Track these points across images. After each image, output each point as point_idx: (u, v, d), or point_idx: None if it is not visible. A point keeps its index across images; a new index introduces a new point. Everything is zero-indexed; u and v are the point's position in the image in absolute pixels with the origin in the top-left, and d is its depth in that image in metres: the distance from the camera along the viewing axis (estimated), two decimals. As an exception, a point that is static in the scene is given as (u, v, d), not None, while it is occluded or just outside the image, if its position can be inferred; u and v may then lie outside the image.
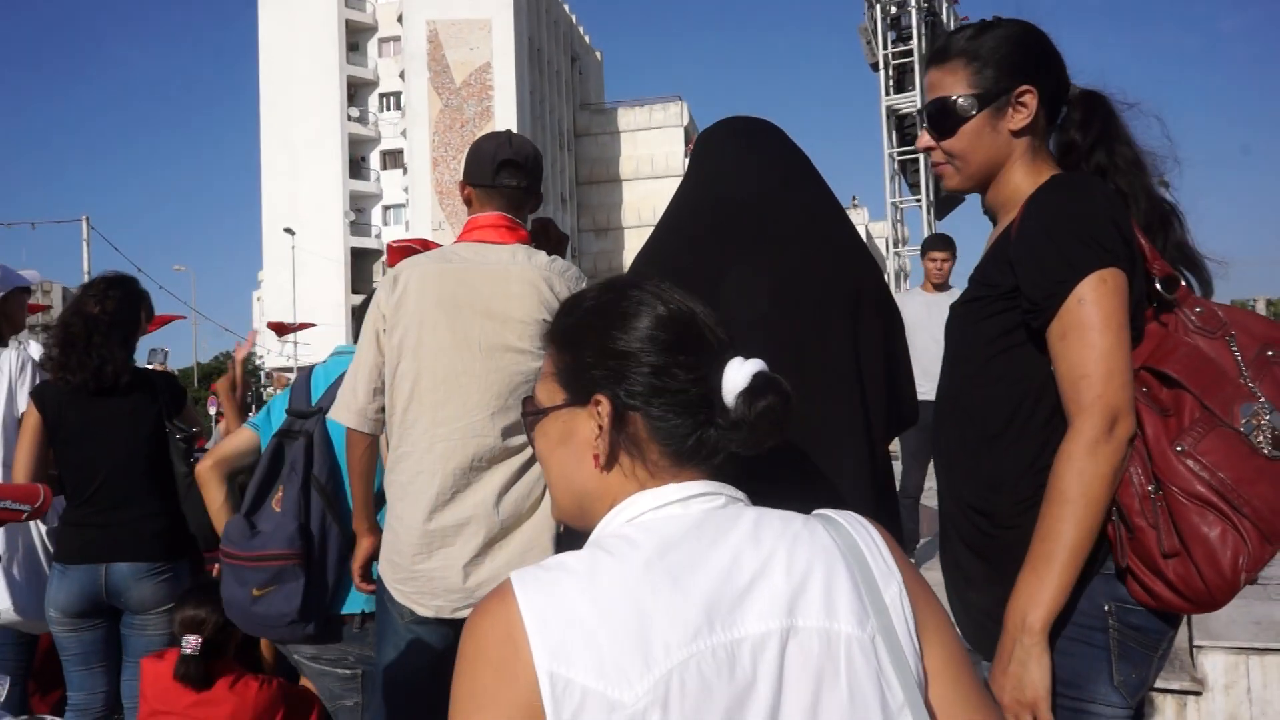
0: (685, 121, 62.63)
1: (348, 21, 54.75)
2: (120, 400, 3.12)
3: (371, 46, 56.31)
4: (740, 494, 1.03)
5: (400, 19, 53.07)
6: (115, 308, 3.14)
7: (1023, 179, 1.62)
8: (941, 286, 5.57)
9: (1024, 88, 1.59)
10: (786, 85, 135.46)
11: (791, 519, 0.99)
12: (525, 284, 2.29)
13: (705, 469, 1.02)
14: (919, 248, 6.34)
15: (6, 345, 3.44)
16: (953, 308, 1.70)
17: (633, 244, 60.72)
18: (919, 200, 21.71)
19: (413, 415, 2.25)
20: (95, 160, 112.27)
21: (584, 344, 1.05)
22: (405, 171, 53.06)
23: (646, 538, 0.94)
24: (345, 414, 2.33)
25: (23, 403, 3.26)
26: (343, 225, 51.62)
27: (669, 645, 0.87)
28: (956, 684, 0.96)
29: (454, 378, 2.25)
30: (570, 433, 1.05)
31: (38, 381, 3.29)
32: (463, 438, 2.23)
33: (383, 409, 2.31)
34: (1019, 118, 1.60)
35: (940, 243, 5.70)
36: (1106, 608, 1.48)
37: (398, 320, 2.29)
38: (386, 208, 55.37)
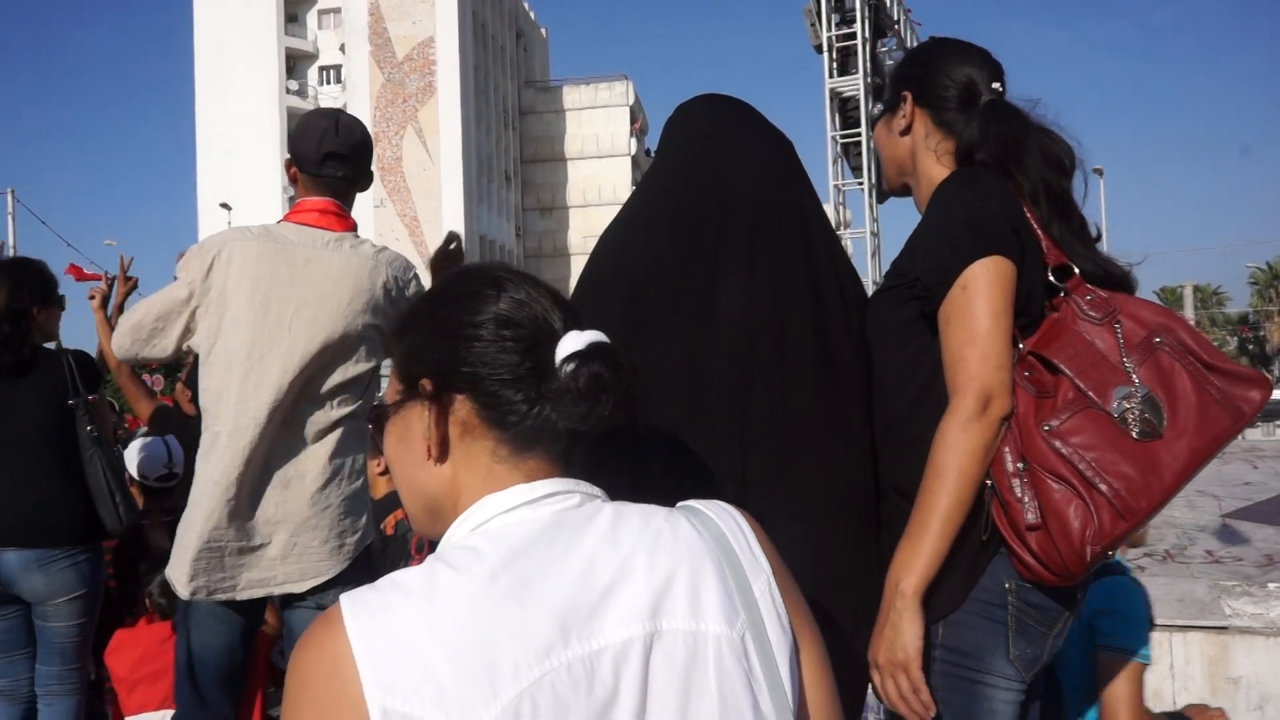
0: (630, 101, 62.38)
1: (286, -9, 53.47)
2: (29, 377, 3.03)
3: (311, 18, 55.02)
4: (596, 490, 0.96)
5: (341, -10, 51.96)
6: (5, 295, 3.03)
7: (936, 176, 1.74)
8: None
9: (903, 93, 1.81)
10: (730, 66, 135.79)
11: (652, 514, 0.92)
12: (347, 272, 2.33)
13: (551, 458, 0.95)
14: (862, 231, 6.47)
15: None
16: (871, 297, 1.76)
17: (577, 223, 60.54)
18: (861, 184, 21.90)
19: (224, 392, 2.28)
20: (22, 133, 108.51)
21: (413, 329, 1.01)
22: (346, 147, 52.06)
23: (493, 547, 0.86)
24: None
25: None
26: (281, 200, 50.53)
27: (518, 666, 0.79)
28: (817, 687, 0.93)
29: (258, 357, 2.26)
30: (407, 428, 0.98)
31: None
32: (260, 417, 2.25)
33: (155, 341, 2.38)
34: (900, 120, 1.81)
35: None
36: (1007, 585, 1.54)
37: (207, 291, 2.31)
38: (326, 183, 54.36)
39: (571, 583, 0.84)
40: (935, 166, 1.76)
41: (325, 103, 54.01)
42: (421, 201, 50.36)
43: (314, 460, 2.34)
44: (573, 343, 0.92)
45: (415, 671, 0.78)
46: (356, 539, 2.40)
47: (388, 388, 1.04)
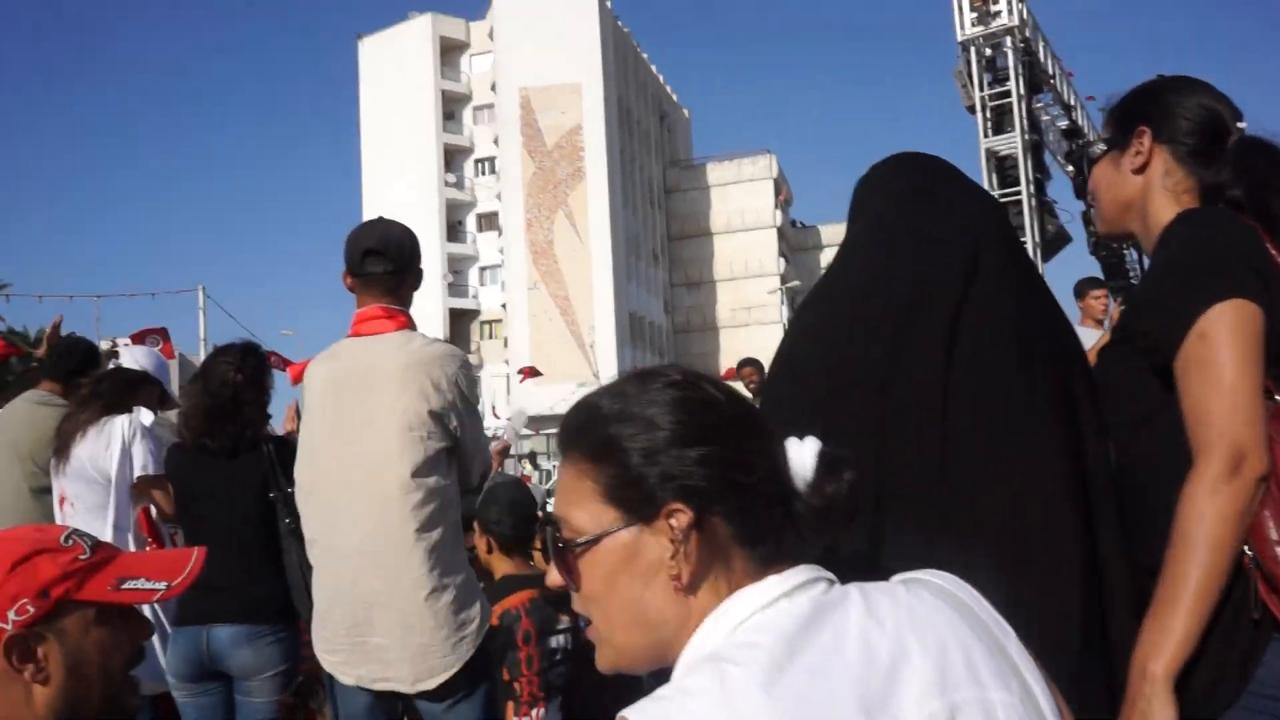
0: (774, 174, 62.60)
1: (444, 92, 56.71)
2: (235, 463, 3.12)
3: (467, 115, 58.11)
4: (828, 572, 0.93)
5: (494, 87, 54.66)
6: (253, 374, 3.21)
7: (1170, 216, 1.60)
8: (1103, 323, 5.67)
9: (1139, 128, 1.66)
10: (877, 133, 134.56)
11: (892, 590, 0.90)
12: (396, 373, 2.46)
13: (789, 560, 0.92)
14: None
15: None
16: (1102, 350, 1.67)
17: (724, 296, 60.67)
18: (1024, 241, 20.93)
19: (315, 508, 2.54)
20: (209, 231, 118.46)
21: (628, 450, 0.90)
22: (500, 233, 54.20)
23: (767, 638, 0.82)
24: None
25: (138, 465, 3.35)
26: (441, 287, 52.87)
27: None
28: None
29: (339, 476, 2.47)
30: (632, 557, 0.89)
31: (148, 445, 3.37)
32: (348, 527, 2.44)
33: None
34: (1134, 156, 1.67)
35: (1099, 282, 6.07)
36: None
37: (303, 413, 2.60)
38: (483, 269, 56.62)
39: (857, 666, 0.81)
40: (1171, 206, 1.64)
41: (481, 193, 56.62)
42: (573, 282, 51.62)
43: (412, 556, 2.39)
44: (808, 455, 0.91)
45: None
46: (474, 629, 2.44)
47: (571, 510, 0.93)
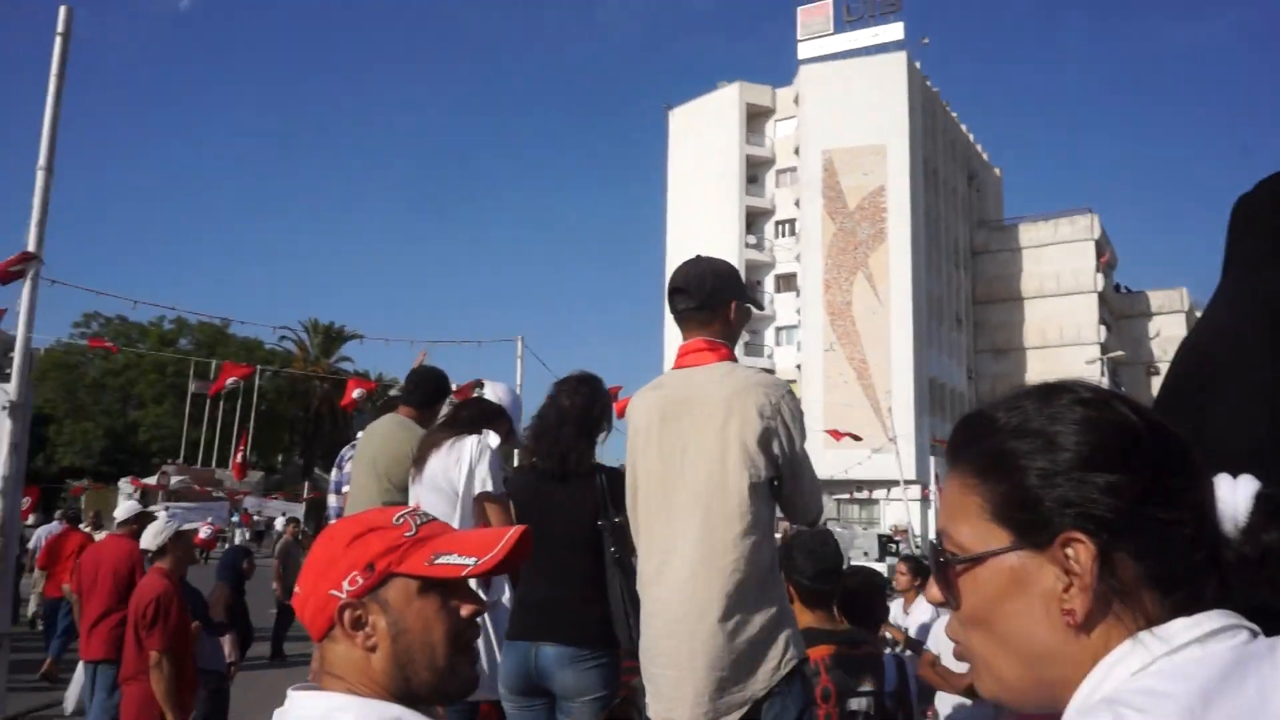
0: (1096, 235, 58.17)
1: (748, 156, 58.15)
2: (570, 487, 3.28)
3: (769, 178, 59.13)
4: (1249, 622, 0.80)
5: (796, 150, 55.31)
6: (582, 402, 3.37)
7: None
8: None
9: None
10: (1209, 187, 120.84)
11: None
12: (719, 401, 2.49)
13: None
14: None
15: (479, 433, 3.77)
16: None
17: (1035, 365, 56.83)
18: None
19: (641, 536, 2.61)
20: (527, 284, 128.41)
21: (1024, 468, 0.82)
22: (798, 294, 54.34)
23: (1177, 686, 0.73)
24: None
25: (479, 482, 3.58)
26: (738, 346, 53.66)
27: None
28: None
29: (660, 500, 2.53)
30: (1019, 584, 0.81)
31: (492, 463, 3.61)
32: (671, 553, 2.49)
33: None
34: None
35: None
36: None
37: (629, 443, 2.69)
38: (779, 329, 56.94)
39: None
40: None
41: (780, 254, 57.18)
42: (870, 345, 50.59)
43: (728, 584, 2.39)
44: (1243, 497, 0.81)
45: None
46: (780, 664, 2.39)
47: (958, 524, 0.87)
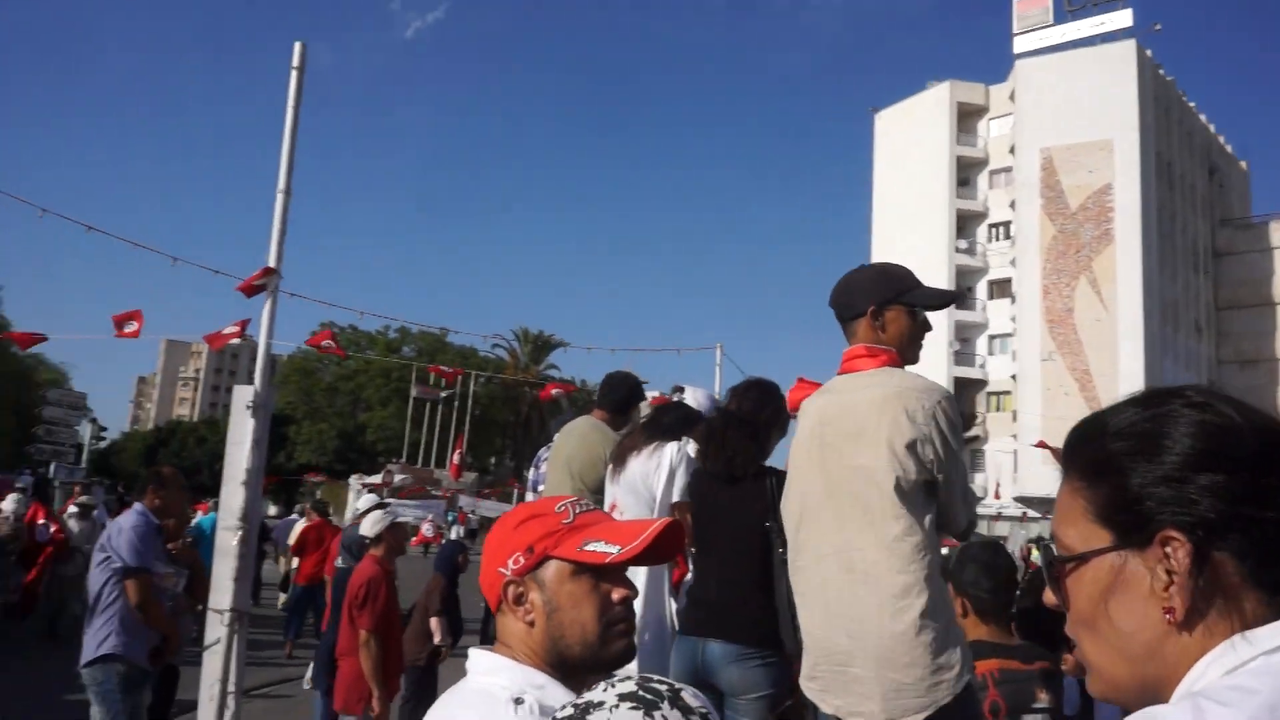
0: (1367, 231, 51.97)
1: (959, 157, 55.84)
2: (738, 489, 3.33)
3: (981, 179, 56.56)
4: None
5: (1012, 150, 52.61)
6: (750, 406, 3.43)
7: None
8: None
9: None
10: None
11: None
12: (874, 405, 2.51)
13: None
14: None
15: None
16: None
17: (1290, 377, 51.36)
18: None
19: (797, 534, 2.68)
20: (728, 294, 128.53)
21: (1127, 470, 0.85)
22: (1013, 300, 51.64)
23: (1264, 683, 0.74)
24: None
25: (677, 489, 3.68)
26: (947, 355, 51.67)
27: None
28: None
29: (815, 500, 2.59)
30: (1121, 582, 0.85)
31: (690, 471, 3.69)
32: (823, 552, 2.55)
33: None
34: None
35: None
36: None
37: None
38: (992, 337, 54.27)
39: None
40: None
41: (994, 259, 54.56)
42: (1094, 354, 47.30)
43: (892, 588, 2.40)
44: None
45: None
46: (953, 675, 2.37)
47: (1065, 526, 0.90)
